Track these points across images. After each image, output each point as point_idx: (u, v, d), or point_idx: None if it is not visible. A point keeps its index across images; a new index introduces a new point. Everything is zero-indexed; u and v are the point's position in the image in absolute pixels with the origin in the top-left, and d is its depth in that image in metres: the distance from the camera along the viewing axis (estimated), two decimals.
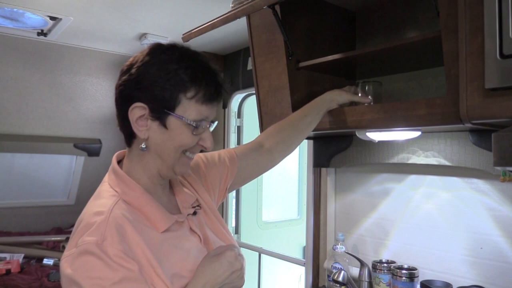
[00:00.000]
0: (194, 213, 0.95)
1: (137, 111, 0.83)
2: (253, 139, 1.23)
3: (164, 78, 0.82)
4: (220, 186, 1.10)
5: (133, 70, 0.84)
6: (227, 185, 1.12)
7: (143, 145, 0.86)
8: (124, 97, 0.85)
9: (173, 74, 0.82)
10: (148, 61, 0.84)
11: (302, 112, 1.28)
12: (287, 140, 1.24)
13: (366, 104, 1.31)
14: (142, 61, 0.84)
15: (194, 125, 0.84)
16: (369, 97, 1.35)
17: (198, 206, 0.98)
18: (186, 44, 0.92)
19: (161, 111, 0.83)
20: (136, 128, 0.84)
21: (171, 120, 0.84)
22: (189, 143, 0.86)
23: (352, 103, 1.34)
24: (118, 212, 0.80)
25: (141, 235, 0.80)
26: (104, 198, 0.84)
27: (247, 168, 1.16)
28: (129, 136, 0.88)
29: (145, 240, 0.80)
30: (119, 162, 0.93)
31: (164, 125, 0.84)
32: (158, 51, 0.85)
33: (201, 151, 0.93)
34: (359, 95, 1.35)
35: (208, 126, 0.88)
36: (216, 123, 0.92)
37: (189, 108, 0.84)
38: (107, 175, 0.91)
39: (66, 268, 0.75)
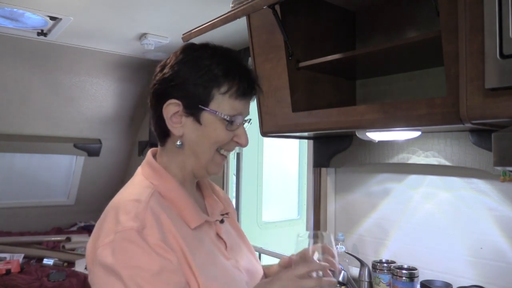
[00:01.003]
0: (222, 221, 0.95)
1: (172, 108, 0.84)
2: None
3: (197, 74, 0.83)
4: None
5: (167, 69, 0.85)
6: None
7: (178, 142, 0.86)
8: (159, 95, 0.86)
9: (206, 70, 0.83)
10: (181, 59, 0.85)
11: None
12: None
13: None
14: (176, 59, 0.86)
15: (228, 119, 0.84)
16: (335, 249, 0.89)
17: (226, 214, 0.98)
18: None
19: (195, 106, 0.83)
20: (171, 125, 0.84)
21: (205, 116, 0.84)
22: (223, 139, 0.86)
23: None
24: (155, 202, 0.80)
25: (176, 227, 0.79)
26: (140, 187, 0.84)
27: None
28: (163, 135, 0.88)
29: (179, 232, 0.79)
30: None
31: (198, 121, 0.84)
32: (191, 49, 0.87)
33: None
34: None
35: (242, 122, 0.88)
36: (251, 122, 0.92)
37: (223, 103, 0.84)
38: (140, 168, 0.91)
39: (105, 256, 0.72)
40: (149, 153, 0.92)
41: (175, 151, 0.88)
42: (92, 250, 0.77)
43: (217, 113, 0.83)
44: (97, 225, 0.81)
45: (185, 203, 0.85)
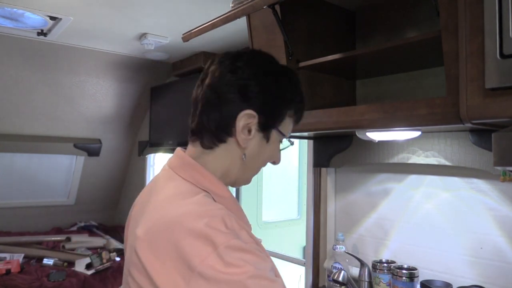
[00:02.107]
0: None
1: (246, 118, 0.79)
2: None
3: (278, 91, 0.82)
4: None
5: (242, 70, 0.79)
6: None
7: (244, 155, 0.82)
8: (243, 97, 0.78)
9: (285, 89, 0.83)
10: (259, 65, 0.81)
11: None
12: None
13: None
14: (250, 63, 0.80)
15: (290, 141, 0.88)
16: None
17: None
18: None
19: (270, 124, 0.82)
20: (240, 135, 0.79)
21: (273, 135, 0.84)
22: (269, 157, 0.87)
23: None
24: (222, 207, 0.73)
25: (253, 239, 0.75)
26: (197, 195, 0.73)
27: None
28: (219, 139, 0.81)
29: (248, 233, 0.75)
30: None
31: (267, 138, 0.83)
32: (260, 58, 0.84)
33: None
34: None
35: (288, 145, 0.92)
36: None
37: (287, 125, 0.85)
38: (172, 170, 0.80)
39: (217, 272, 0.61)
40: (183, 154, 0.83)
41: (223, 157, 0.82)
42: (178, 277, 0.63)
43: (285, 136, 0.85)
44: (165, 254, 0.65)
45: (238, 208, 0.82)
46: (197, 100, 0.84)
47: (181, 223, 0.66)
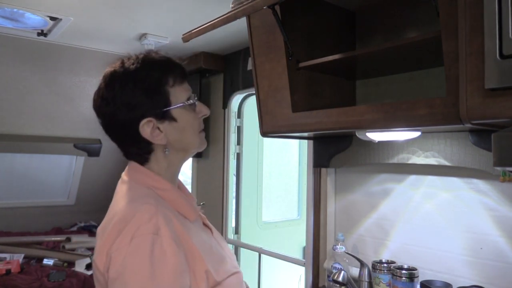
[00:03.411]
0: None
1: (147, 126, 0.87)
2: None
3: (144, 87, 0.87)
4: None
5: (113, 100, 0.87)
6: None
7: (167, 152, 0.91)
8: (123, 124, 0.88)
9: (148, 79, 0.88)
10: (120, 84, 0.87)
11: None
12: None
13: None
14: (114, 88, 0.88)
15: (191, 102, 0.92)
16: None
17: (202, 203, 1.05)
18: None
19: (163, 111, 0.88)
20: (155, 139, 0.88)
21: (175, 112, 0.90)
22: (197, 122, 0.94)
23: None
24: (161, 204, 0.85)
25: (183, 226, 0.84)
26: (139, 194, 0.87)
27: None
28: (147, 153, 0.92)
29: (186, 230, 0.84)
30: None
31: (173, 119, 0.89)
32: (119, 73, 0.89)
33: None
34: None
35: (196, 99, 0.95)
36: (196, 96, 0.98)
37: (177, 93, 0.90)
38: (126, 177, 0.93)
39: (116, 262, 0.76)
40: (132, 162, 0.94)
41: (162, 158, 0.92)
42: (106, 260, 0.78)
43: (183, 104, 0.90)
44: (105, 239, 0.81)
45: (181, 200, 0.91)
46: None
47: (116, 221, 0.82)
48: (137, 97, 0.87)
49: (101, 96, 0.89)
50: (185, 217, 0.89)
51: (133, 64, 0.89)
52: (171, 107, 0.89)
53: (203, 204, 1.07)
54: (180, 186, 1.02)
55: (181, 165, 0.98)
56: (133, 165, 0.94)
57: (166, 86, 0.89)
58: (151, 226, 0.77)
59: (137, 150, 0.92)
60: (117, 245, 0.77)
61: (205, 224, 0.99)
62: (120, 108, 0.87)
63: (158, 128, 0.88)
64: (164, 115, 0.88)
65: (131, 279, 0.74)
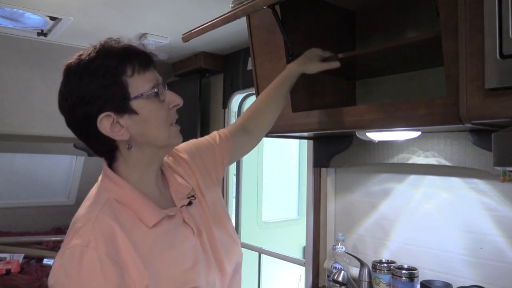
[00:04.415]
0: (189, 203, 0.94)
1: (105, 121, 0.81)
2: (236, 120, 1.28)
3: (99, 79, 0.81)
4: (222, 164, 1.12)
5: (70, 95, 0.82)
6: (225, 162, 1.14)
7: (127, 147, 0.85)
8: (83, 121, 0.82)
9: (102, 69, 0.81)
10: (75, 78, 0.82)
11: (276, 89, 1.27)
12: (268, 119, 1.29)
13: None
14: (70, 83, 0.83)
15: (154, 91, 0.83)
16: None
17: (193, 196, 0.96)
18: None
19: (121, 104, 0.81)
20: (115, 136, 0.82)
21: (135, 104, 0.82)
22: (164, 114, 0.86)
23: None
24: (106, 214, 0.79)
25: (131, 237, 0.79)
26: (93, 200, 0.83)
27: (238, 149, 1.19)
28: (111, 150, 0.86)
29: (135, 242, 0.79)
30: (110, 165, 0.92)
31: (134, 112, 0.82)
32: (75, 66, 0.84)
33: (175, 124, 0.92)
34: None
35: (164, 87, 0.88)
36: (166, 86, 0.91)
37: (137, 82, 0.83)
38: (100, 177, 0.90)
39: (52, 275, 0.74)
40: (104, 164, 0.89)
41: (127, 155, 0.86)
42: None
43: (143, 94, 0.82)
44: None
45: (140, 203, 0.84)
46: None
47: (70, 227, 0.80)
48: (92, 90, 0.80)
49: (60, 91, 0.84)
50: (144, 223, 0.83)
51: (88, 54, 0.83)
52: (130, 99, 0.81)
53: (192, 197, 0.98)
54: (168, 179, 0.95)
55: (154, 162, 0.90)
56: (103, 165, 0.89)
57: (123, 76, 0.81)
58: (84, 237, 0.74)
59: (101, 147, 0.86)
60: (56, 256, 0.76)
61: (186, 223, 0.90)
62: (76, 103, 0.81)
63: (119, 123, 0.81)
64: (123, 108, 0.81)
65: None
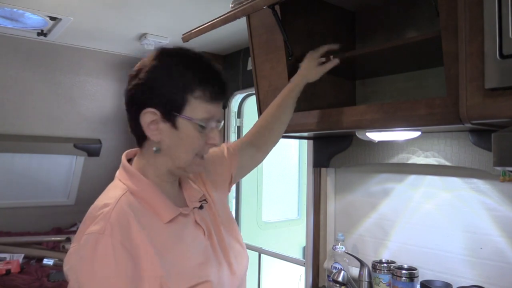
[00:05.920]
0: (201, 207, 0.98)
1: (149, 116, 0.86)
2: (243, 136, 1.29)
3: (172, 81, 0.85)
4: (230, 177, 1.16)
5: (142, 75, 0.87)
6: (233, 175, 1.17)
7: (155, 148, 0.88)
8: (135, 102, 0.88)
9: (180, 77, 0.86)
10: (156, 65, 0.87)
11: (282, 103, 1.28)
12: (277, 135, 1.32)
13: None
14: (150, 66, 0.87)
15: (202, 124, 0.87)
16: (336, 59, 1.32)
17: (204, 200, 1.00)
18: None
19: (171, 113, 0.86)
20: (149, 132, 0.87)
21: (180, 121, 0.86)
22: (198, 144, 0.89)
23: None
24: (124, 204, 0.83)
25: (145, 229, 0.82)
26: (113, 191, 0.88)
27: (245, 164, 1.22)
28: (141, 138, 0.91)
29: (149, 234, 0.82)
30: (129, 160, 0.96)
31: (175, 126, 0.86)
32: (165, 55, 0.88)
33: None
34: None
35: (215, 125, 0.91)
36: (222, 123, 0.95)
37: (197, 107, 0.86)
38: (118, 171, 0.94)
39: (69, 260, 0.79)
40: (123, 156, 0.95)
41: (151, 154, 0.90)
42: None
43: (192, 119, 0.86)
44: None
45: (157, 199, 0.88)
46: None
47: (86, 216, 0.86)
48: (161, 87, 0.85)
49: (143, 67, 0.88)
50: (159, 218, 0.87)
51: (185, 52, 0.89)
52: (179, 115, 0.86)
53: (204, 201, 1.01)
54: (182, 182, 0.99)
55: (169, 174, 0.93)
56: (122, 159, 0.94)
57: (189, 94, 0.85)
58: (101, 225, 0.78)
59: (134, 131, 0.91)
60: (72, 246, 0.81)
61: (198, 223, 0.94)
62: (145, 85, 0.86)
63: (158, 125, 0.86)
64: (169, 117, 0.86)
65: (73, 275, 0.78)
